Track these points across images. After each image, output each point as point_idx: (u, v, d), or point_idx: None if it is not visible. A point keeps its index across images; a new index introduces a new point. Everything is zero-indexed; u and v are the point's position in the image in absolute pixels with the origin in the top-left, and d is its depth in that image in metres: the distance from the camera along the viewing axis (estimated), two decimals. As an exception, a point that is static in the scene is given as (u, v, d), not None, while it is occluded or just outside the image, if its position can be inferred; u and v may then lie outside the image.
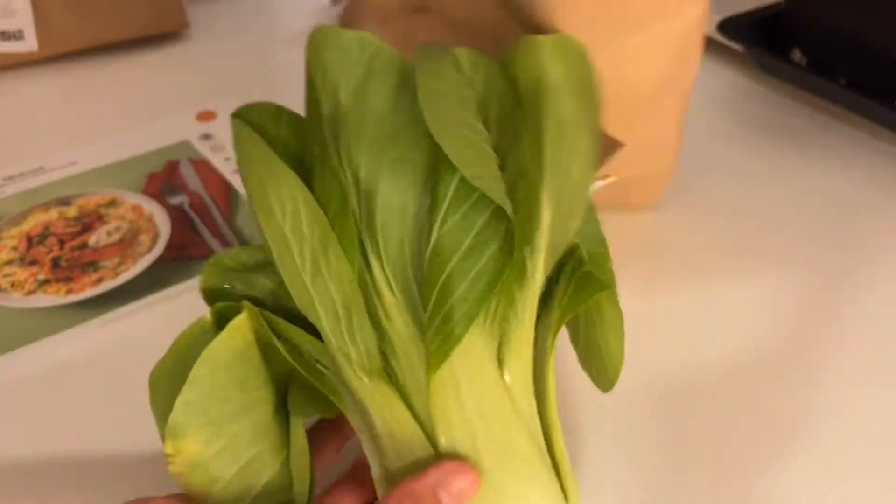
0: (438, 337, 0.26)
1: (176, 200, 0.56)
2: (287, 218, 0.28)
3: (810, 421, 0.40)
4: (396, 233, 0.27)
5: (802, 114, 0.65)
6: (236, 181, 0.58)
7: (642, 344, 0.45)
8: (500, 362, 0.27)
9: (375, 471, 0.30)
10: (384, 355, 0.28)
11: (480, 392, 0.26)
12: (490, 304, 0.27)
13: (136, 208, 0.55)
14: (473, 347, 0.26)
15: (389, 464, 0.28)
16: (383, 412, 0.27)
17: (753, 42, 0.66)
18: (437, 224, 0.26)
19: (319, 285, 0.27)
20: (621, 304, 0.32)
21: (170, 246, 0.52)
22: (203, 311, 0.36)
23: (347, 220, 0.27)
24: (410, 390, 0.27)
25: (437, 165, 0.27)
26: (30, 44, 0.70)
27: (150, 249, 0.52)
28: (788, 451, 0.39)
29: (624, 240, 0.52)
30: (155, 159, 0.60)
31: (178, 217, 0.55)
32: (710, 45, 0.72)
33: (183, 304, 0.43)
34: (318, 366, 0.30)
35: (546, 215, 0.27)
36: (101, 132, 0.64)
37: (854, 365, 0.43)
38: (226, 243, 0.52)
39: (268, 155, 0.29)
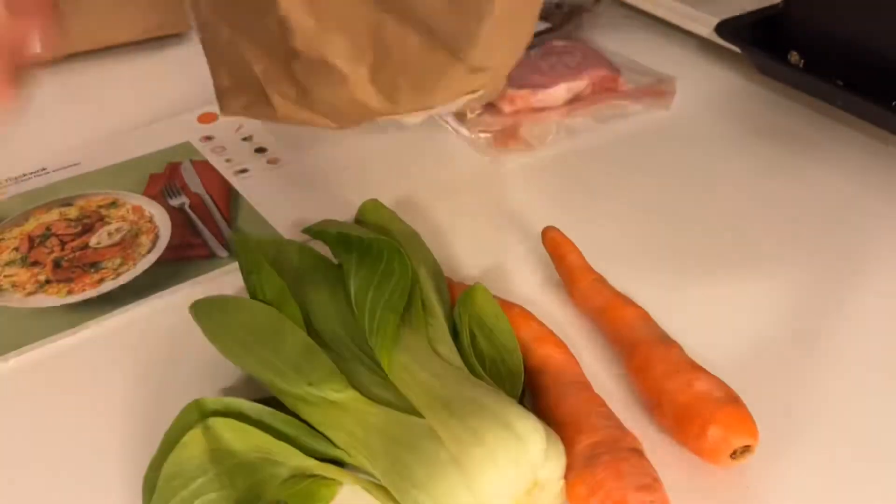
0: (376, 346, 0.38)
1: (177, 202, 0.57)
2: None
3: (809, 419, 0.41)
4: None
5: (800, 115, 0.65)
6: (237, 182, 0.58)
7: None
8: (431, 342, 0.39)
9: (383, 465, 0.34)
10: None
11: (423, 362, 0.37)
12: (416, 320, 0.40)
13: (137, 209, 0.56)
14: (407, 342, 0.38)
15: (386, 441, 0.34)
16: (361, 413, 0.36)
17: (751, 44, 0.67)
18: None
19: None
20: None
21: (170, 247, 0.53)
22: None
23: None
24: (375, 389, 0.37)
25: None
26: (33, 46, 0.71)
27: (150, 250, 0.52)
28: (787, 450, 0.39)
29: (626, 240, 0.53)
30: (156, 160, 0.61)
31: (179, 218, 0.55)
32: (708, 46, 0.72)
33: (183, 305, 0.44)
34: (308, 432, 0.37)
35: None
36: (103, 133, 0.65)
37: (853, 364, 0.44)
38: (226, 244, 0.53)
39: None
